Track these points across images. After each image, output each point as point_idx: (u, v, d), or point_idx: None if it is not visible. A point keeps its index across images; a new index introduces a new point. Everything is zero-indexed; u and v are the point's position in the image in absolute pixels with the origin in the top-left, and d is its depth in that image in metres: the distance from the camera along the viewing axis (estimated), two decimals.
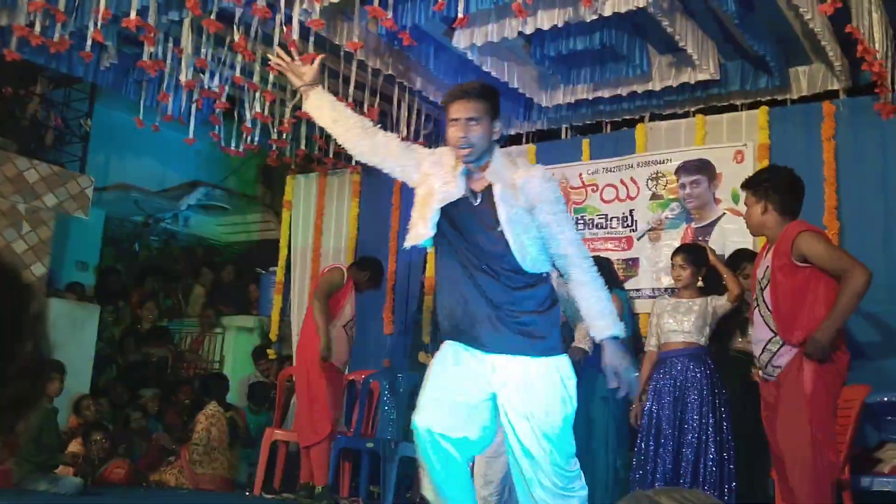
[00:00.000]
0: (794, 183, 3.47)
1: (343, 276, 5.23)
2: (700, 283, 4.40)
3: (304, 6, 4.27)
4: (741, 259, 4.50)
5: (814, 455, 3.14)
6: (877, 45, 4.27)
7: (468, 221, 2.68)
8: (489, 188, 2.67)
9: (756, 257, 3.77)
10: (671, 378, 4.20)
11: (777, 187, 3.43)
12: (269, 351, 7.14)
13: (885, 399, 4.36)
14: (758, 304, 3.42)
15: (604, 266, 4.55)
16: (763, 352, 3.35)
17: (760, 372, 3.46)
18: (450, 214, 2.69)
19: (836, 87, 5.06)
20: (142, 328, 7.67)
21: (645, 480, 4.10)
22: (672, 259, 4.47)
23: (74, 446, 5.73)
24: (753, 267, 3.74)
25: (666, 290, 5.10)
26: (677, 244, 5.18)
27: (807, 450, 3.15)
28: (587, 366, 4.37)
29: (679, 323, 4.25)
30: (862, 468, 4.08)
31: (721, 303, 4.26)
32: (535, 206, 2.62)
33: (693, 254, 4.44)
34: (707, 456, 4.06)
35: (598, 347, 3.88)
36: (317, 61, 3.05)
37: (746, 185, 3.58)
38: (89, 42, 4.62)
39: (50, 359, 0.65)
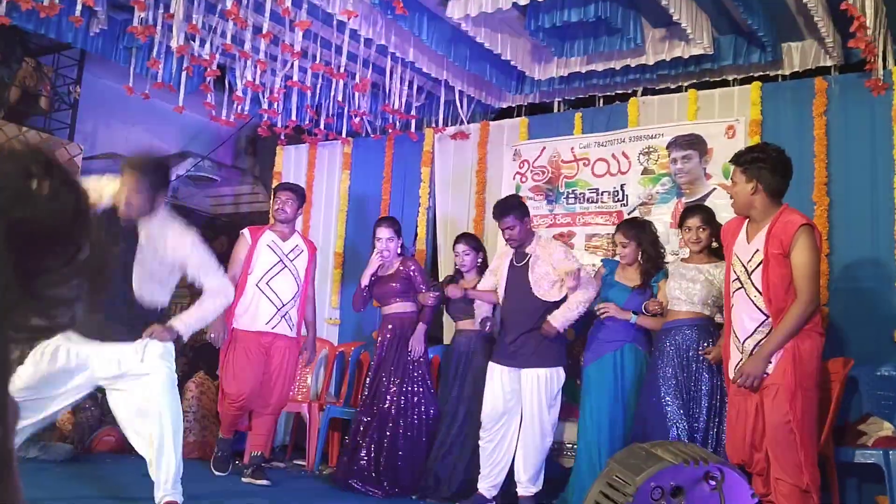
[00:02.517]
0: (787, 164, 3.42)
1: (245, 237, 4.93)
2: (715, 244, 4.20)
3: None
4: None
5: (799, 435, 3.16)
6: (868, 22, 4.28)
7: None
8: None
9: (727, 231, 3.65)
10: (675, 349, 4.04)
11: (771, 168, 3.36)
12: None
13: (869, 372, 4.43)
14: (742, 285, 3.36)
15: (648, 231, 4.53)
16: (755, 332, 3.31)
17: (738, 352, 3.41)
18: None
19: (828, 63, 5.08)
20: None
21: None
22: (686, 222, 4.29)
23: (64, 414, 5.73)
24: (725, 240, 3.65)
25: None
26: (667, 219, 5.22)
27: (788, 431, 3.17)
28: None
29: (684, 291, 4.11)
30: (845, 441, 4.15)
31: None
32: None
33: (708, 213, 4.28)
34: (719, 430, 3.88)
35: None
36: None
37: (738, 161, 3.46)
38: (79, 7, 4.56)
39: (109, 261, 0.68)
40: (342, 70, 5.25)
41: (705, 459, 1.42)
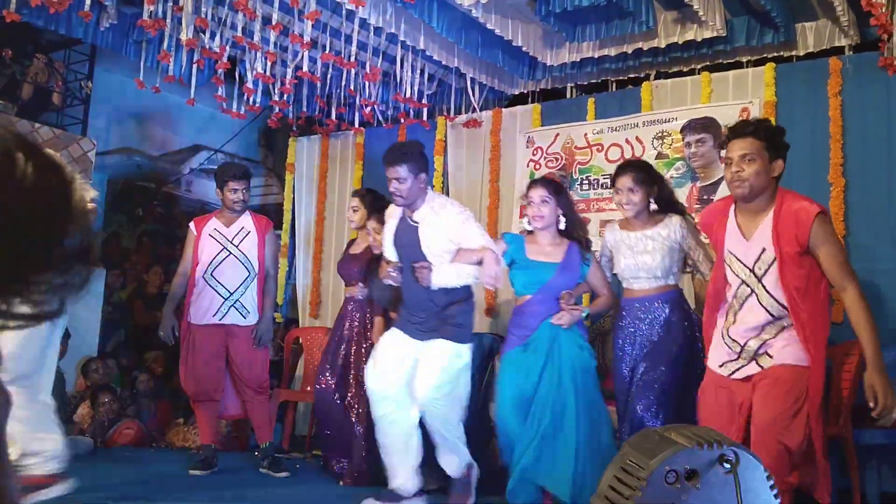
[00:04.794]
0: None
1: (190, 230, 4.73)
2: (654, 206, 3.64)
3: None
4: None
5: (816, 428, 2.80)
6: None
7: None
8: None
9: (710, 219, 3.08)
10: (635, 328, 3.58)
11: (786, 152, 2.90)
12: (275, 314, 7.16)
13: (887, 354, 4.38)
14: (754, 291, 2.86)
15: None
16: (762, 332, 2.86)
17: (732, 352, 2.94)
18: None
19: (842, 43, 5.03)
20: (147, 292, 7.72)
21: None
22: (616, 182, 3.66)
23: (83, 409, 5.80)
24: (708, 230, 3.11)
25: None
26: (683, 203, 5.17)
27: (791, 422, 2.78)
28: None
29: (641, 267, 3.57)
30: (863, 422, 4.11)
31: (690, 243, 3.56)
32: None
33: (643, 172, 3.65)
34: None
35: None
36: None
37: (760, 134, 2.84)
38: (88, 1, 4.57)
39: (96, 245, 0.67)
40: (352, 60, 5.24)
41: (720, 442, 1.41)
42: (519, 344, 3.72)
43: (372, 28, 5.06)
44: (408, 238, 3.75)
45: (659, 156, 5.39)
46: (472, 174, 6.22)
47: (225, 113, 5.88)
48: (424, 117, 6.23)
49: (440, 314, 3.67)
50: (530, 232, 3.82)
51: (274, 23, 4.71)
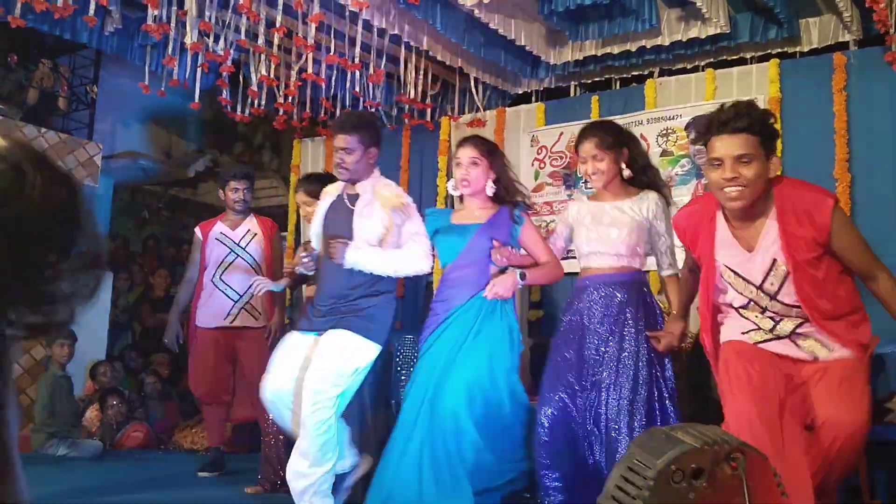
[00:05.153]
0: None
1: (196, 235, 4.76)
2: (627, 172, 3.18)
3: None
4: None
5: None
6: None
7: None
8: None
9: (690, 226, 2.63)
10: (584, 323, 3.11)
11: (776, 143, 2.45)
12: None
13: (895, 349, 4.37)
14: (766, 308, 2.49)
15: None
16: (787, 321, 2.52)
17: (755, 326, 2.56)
18: None
19: (846, 38, 5.02)
20: (154, 295, 7.74)
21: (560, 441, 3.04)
22: (579, 149, 3.19)
23: (92, 412, 5.82)
24: (689, 240, 2.66)
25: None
26: (687, 200, 5.17)
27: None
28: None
29: (603, 241, 3.10)
30: (872, 419, 4.09)
31: (661, 226, 3.13)
32: None
33: (609, 135, 3.15)
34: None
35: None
36: None
37: (754, 128, 2.31)
38: (93, 6, 4.59)
39: (105, 254, 0.68)
40: (356, 61, 5.25)
41: (727, 441, 1.41)
42: (437, 324, 3.26)
43: (375, 29, 5.07)
44: (339, 217, 3.32)
45: (664, 153, 5.39)
46: None
47: (230, 116, 5.90)
48: (428, 118, 6.23)
49: (351, 303, 3.19)
50: (461, 201, 3.42)
51: (278, 25, 4.71)
